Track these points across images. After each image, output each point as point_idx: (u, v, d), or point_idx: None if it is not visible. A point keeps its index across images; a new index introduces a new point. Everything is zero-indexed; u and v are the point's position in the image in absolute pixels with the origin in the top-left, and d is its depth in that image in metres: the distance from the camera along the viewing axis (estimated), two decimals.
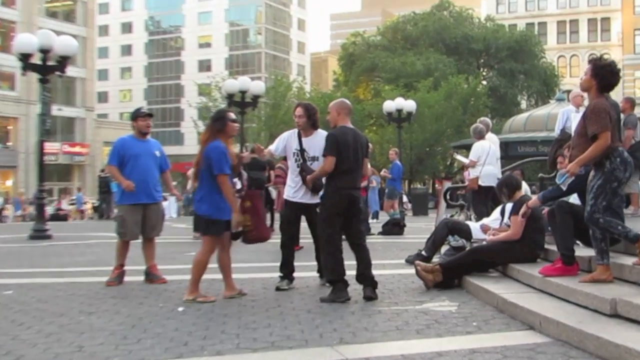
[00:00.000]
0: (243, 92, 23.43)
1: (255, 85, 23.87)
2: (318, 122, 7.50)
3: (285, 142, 7.59)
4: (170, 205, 27.06)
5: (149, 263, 8.19)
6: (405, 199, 29.99)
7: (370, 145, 16.50)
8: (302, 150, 7.37)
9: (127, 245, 8.18)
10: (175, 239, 14.53)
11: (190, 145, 69.43)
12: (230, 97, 23.72)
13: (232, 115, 6.91)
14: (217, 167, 6.56)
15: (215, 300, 6.62)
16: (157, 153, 8.28)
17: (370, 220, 16.70)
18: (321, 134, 7.33)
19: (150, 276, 8.11)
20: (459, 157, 13.93)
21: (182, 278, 7.37)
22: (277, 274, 7.56)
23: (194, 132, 61.23)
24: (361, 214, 6.98)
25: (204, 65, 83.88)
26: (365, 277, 6.72)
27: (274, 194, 15.52)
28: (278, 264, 7.95)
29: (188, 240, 14.08)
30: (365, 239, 6.96)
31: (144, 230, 8.18)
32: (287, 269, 7.52)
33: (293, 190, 7.46)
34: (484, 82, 57.55)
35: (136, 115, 8.25)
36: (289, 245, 7.53)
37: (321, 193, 7.14)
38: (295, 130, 7.58)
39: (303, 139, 7.41)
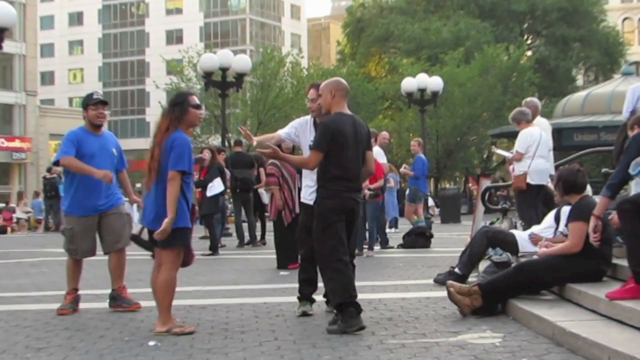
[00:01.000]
0: (224, 70, 23.44)
1: (238, 61, 23.91)
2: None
3: (296, 130, 7.61)
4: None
5: (117, 284, 8.09)
6: (431, 202, 30.03)
7: (385, 134, 16.55)
8: None
9: (79, 264, 8.15)
10: (141, 256, 14.45)
11: None
12: (207, 75, 23.76)
13: (195, 100, 6.92)
14: (174, 162, 6.58)
15: (194, 332, 6.62)
16: (114, 150, 8.26)
17: (387, 230, 16.70)
18: None
19: (119, 301, 8.03)
20: (500, 151, 13.93)
21: (152, 305, 7.37)
22: (274, 298, 7.54)
23: None
24: (359, 223, 6.93)
25: (174, 37, 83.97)
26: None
27: (265, 197, 15.52)
28: (272, 285, 7.93)
29: None
30: (354, 257, 6.87)
31: (105, 242, 8.14)
32: (309, 288, 7.50)
33: (310, 191, 7.46)
34: (529, 53, 57.62)
35: (86, 103, 8.23)
36: (311, 258, 7.35)
37: (311, 196, 7.14)
38: (309, 119, 7.60)
39: None
